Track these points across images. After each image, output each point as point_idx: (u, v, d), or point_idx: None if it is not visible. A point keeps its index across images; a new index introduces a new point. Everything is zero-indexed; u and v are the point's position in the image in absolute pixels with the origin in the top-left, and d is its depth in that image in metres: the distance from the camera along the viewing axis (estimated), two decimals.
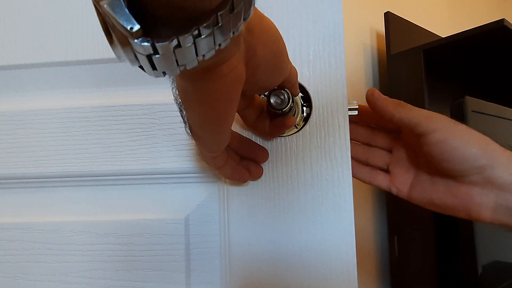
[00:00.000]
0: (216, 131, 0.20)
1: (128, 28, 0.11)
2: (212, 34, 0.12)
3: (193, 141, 0.22)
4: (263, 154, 0.28)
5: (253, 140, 0.29)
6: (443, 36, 0.85)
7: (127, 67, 0.32)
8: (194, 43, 0.12)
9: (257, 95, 0.26)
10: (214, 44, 0.13)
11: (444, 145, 0.27)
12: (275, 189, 0.29)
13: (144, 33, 0.11)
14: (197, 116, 0.19)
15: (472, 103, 0.71)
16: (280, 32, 0.19)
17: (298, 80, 0.28)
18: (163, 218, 0.31)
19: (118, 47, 0.12)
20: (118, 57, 0.12)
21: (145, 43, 0.11)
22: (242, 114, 0.25)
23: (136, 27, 0.11)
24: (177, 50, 0.12)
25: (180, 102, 0.19)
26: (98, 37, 0.32)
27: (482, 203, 0.28)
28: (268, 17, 0.18)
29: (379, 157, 0.34)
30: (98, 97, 0.33)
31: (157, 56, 0.12)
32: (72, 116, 0.33)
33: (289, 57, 0.22)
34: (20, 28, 0.34)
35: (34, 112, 0.34)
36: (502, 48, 0.83)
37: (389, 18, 0.89)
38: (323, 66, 0.28)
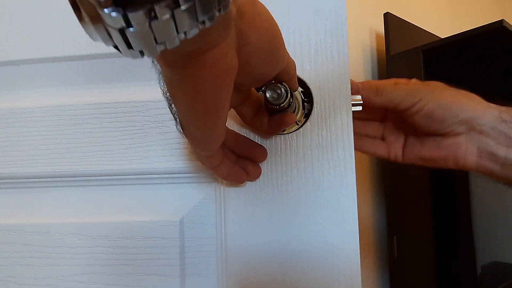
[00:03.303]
0: (207, 127, 0.18)
1: None
2: (193, 7, 0.11)
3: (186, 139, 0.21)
4: (262, 153, 0.27)
5: (251, 138, 0.28)
6: (443, 37, 0.85)
7: (120, 63, 0.31)
8: (173, 16, 0.11)
9: (254, 91, 0.25)
10: (197, 20, 0.11)
11: (423, 113, 0.30)
12: (274, 189, 0.28)
13: (115, 2, 0.10)
14: (186, 110, 0.18)
15: None
16: (275, 19, 0.18)
17: (299, 74, 0.27)
18: (157, 220, 0.30)
19: (88, 23, 0.11)
20: (90, 35, 0.11)
21: (115, 14, 0.10)
22: (238, 110, 0.24)
23: None
24: (153, 23, 0.10)
25: (168, 96, 0.18)
26: None
27: (467, 150, 0.31)
28: (261, 3, 0.17)
29: (374, 129, 0.37)
30: (90, 94, 0.32)
31: (131, 30, 0.10)
32: (63, 114, 0.32)
33: (289, 51, 0.20)
34: (9, 23, 0.33)
35: (24, 110, 0.33)
36: (501, 48, 0.83)
37: (389, 19, 0.89)
38: (325, 59, 0.27)
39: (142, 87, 0.32)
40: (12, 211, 0.34)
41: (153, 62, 0.18)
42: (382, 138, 0.37)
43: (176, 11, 0.10)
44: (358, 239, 0.26)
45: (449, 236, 0.77)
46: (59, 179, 0.33)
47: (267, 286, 0.27)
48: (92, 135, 0.32)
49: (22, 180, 0.33)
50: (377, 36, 0.97)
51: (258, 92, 0.27)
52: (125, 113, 0.31)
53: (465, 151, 0.31)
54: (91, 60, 0.32)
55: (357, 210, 0.26)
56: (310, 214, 0.27)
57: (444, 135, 0.31)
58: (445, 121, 0.30)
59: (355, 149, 0.28)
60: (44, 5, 0.32)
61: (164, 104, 0.30)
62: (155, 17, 0.10)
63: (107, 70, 0.32)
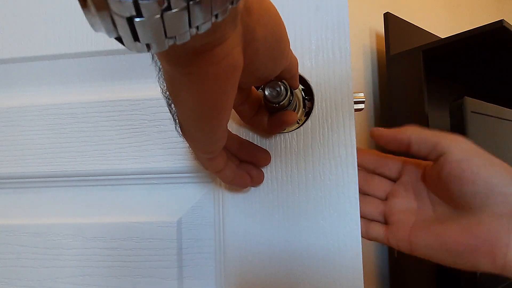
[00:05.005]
0: (209, 128, 0.18)
1: None
2: None
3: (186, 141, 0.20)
4: (265, 158, 0.26)
5: (251, 138, 0.28)
6: (443, 37, 0.85)
7: (116, 61, 0.31)
8: (188, 7, 0.10)
9: (254, 89, 0.24)
10: (211, 13, 0.11)
11: (466, 163, 0.22)
12: (274, 190, 0.27)
13: None
14: (188, 111, 0.17)
15: (472, 104, 0.71)
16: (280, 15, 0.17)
17: (300, 71, 0.26)
18: (154, 221, 0.30)
19: (93, 10, 0.10)
20: (92, 25, 0.10)
21: (126, 0, 0.09)
22: (238, 110, 0.24)
23: None
24: (166, 15, 0.10)
25: (168, 95, 0.18)
26: (86, 29, 0.31)
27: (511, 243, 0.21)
28: None
29: (380, 185, 0.30)
30: (86, 93, 0.32)
31: (140, 19, 0.10)
32: (59, 113, 0.32)
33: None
34: (4, 21, 0.32)
35: (20, 108, 0.32)
36: (501, 48, 0.83)
37: (389, 19, 0.89)
38: (326, 56, 0.26)
39: (139, 85, 0.31)
40: (6, 211, 0.33)
41: (153, 59, 0.17)
42: (386, 212, 0.28)
43: (191, 4, 0.10)
44: (360, 240, 0.26)
45: None
46: (54, 179, 0.32)
47: None
48: (88, 134, 0.31)
49: (17, 180, 0.33)
50: (377, 36, 0.97)
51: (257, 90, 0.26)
52: (122, 112, 0.30)
53: (507, 244, 0.21)
54: (87, 58, 0.31)
55: (359, 211, 0.26)
56: (311, 214, 0.27)
57: (479, 211, 0.22)
58: (491, 184, 0.22)
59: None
60: (39, 2, 0.32)
61: (161, 102, 0.30)
62: (169, 7, 0.10)
63: (103, 68, 0.32)
